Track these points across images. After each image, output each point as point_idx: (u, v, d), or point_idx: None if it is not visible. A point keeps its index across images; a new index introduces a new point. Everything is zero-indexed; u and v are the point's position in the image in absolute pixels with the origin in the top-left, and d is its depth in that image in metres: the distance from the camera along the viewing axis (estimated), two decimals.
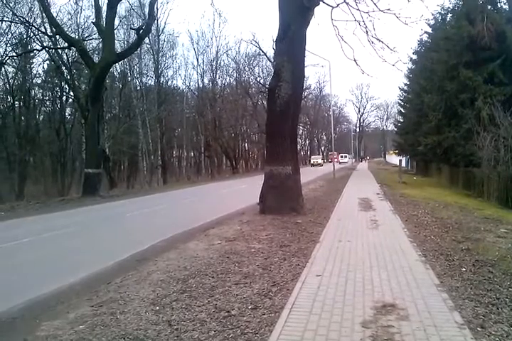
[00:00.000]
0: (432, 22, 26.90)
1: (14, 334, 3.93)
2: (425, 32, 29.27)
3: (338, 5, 12.04)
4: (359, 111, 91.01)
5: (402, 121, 43.22)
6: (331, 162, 54.84)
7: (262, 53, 43.38)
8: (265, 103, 47.72)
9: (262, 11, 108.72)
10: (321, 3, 11.62)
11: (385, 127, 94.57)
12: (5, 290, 5.44)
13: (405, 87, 40.45)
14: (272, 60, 42.13)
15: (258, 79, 46.15)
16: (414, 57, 33.48)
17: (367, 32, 12.27)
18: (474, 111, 19.84)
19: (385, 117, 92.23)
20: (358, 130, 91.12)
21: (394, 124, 56.77)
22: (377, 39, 12.31)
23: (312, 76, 58.71)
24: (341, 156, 73.47)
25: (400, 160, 31.70)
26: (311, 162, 62.47)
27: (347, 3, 11.97)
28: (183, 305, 4.29)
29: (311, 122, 72.55)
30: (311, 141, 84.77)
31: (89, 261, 6.84)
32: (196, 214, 12.14)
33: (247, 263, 5.86)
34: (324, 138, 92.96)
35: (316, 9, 11.36)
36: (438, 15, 26.27)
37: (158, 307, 4.27)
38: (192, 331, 3.68)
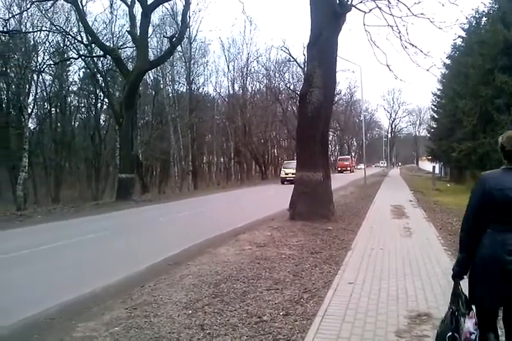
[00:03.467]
0: (466, 26, 26.27)
1: (51, 335, 4.02)
2: (459, 36, 28.65)
3: (370, 10, 11.99)
4: (391, 116, 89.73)
5: (435, 126, 42.27)
6: (341, 171, 53.65)
7: (292, 59, 43.43)
8: (295, 109, 47.72)
9: (292, 17, 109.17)
10: (353, 8, 11.59)
11: (417, 133, 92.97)
12: (43, 291, 5.61)
13: (438, 92, 39.66)
14: (303, 66, 42.28)
15: (288, 85, 46.18)
16: (448, 61, 32.82)
17: (400, 37, 12.17)
18: (511, 116, 19.22)
19: (418, 123, 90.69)
20: (389, 136, 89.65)
21: (427, 130, 55.54)
22: (411, 44, 12.19)
23: (342, 81, 58.37)
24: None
25: (434, 167, 30.96)
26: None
27: (380, 8, 11.90)
28: (215, 310, 4.32)
29: (341, 128, 71.93)
30: (341, 147, 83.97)
31: (123, 264, 6.99)
32: (226, 219, 12.20)
33: (278, 269, 5.85)
34: (355, 144, 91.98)
35: (348, 15, 11.34)
36: (472, 19, 25.65)
37: (190, 311, 4.31)
38: (224, 335, 3.69)
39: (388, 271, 5.71)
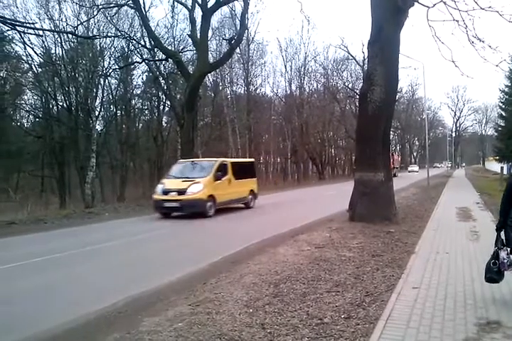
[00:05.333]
0: None
1: (119, 328, 4.19)
2: None
3: (434, 5, 11.50)
4: (455, 114, 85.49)
5: (503, 125, 39.91)
6: None
7: (350, 57, 42.72)
8: (354, 108, 46.95)
9: (351, 14, 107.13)
10: (416, 3, 11.19)
11: (483, 132, 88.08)
12: (112, 285, 5.90)
13: (506, 89, 37.33)
14: (362, 64, 41.45)
15: (346, 84, 45.47)
16: None
17: (467, 31, 11.57)
18: None
19: (484, 121, 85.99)
20: (453, 135, 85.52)
21: (494, 129, 52.55)
22: (478, 38, 11.56)
23: (404, 78, 56.34)
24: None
25: (502, 168, 29.21)
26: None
27: (444, 3, 11.38)
28: (276, 310, 4.33)
29: (402, 127, 69.69)
30: (403, 147, 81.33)
31: (185, 260, 7.21)
32: (284, 219, 12.21)
33: (338, 272, 5.77)
34: (417, 143, 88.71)
35: (410, 10, 10.95)
36: None
37: (251, 310, 4.35)
38: (285, 336, 3.69)
39: (455, 276, 5.48)
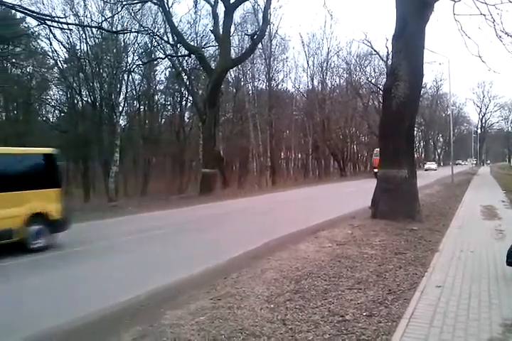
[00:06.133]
0: None
1: (141, 320, 4.24)
2: None
3: None
4: (480, 111, 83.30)
5: None
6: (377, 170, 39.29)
7: (374, 52, 42.11)
8: (377, 103, 46.29)
9: (375, 8, 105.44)
10: None
11: (510, 128, 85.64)
12: (135, 278, 6.00)
13: None
14: (385, 59, 40.82)
15: (369, 79, 44.85)
16: None
17: (494, 26, 11.30)
18: None
19: (511, 118, 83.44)
20: (479, 131, 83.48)
21: None
22: (506, 33, 11.29)
23: (428, 74, 55.12)
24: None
25: None
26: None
27: None
28: (297, 306, 4.33)
29: (426, 123, 68.41)
30: (427, 143, 79.90)
31: (207, 254, 7.28)
32: (305, 215, 12.17)
33: (360, 269, 5.72)
34: (441, 140, 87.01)
35: (436, 4, 10.72)
36: None
37: (272, 305, 4.35)
38: (306, 332, 3.68)
39: (479, 275, 5.39)
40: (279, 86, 42.38)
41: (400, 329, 3.71)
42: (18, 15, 27.55)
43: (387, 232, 8.46)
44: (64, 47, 29.03)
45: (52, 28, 18.72)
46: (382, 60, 42.27)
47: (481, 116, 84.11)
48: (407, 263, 6.07)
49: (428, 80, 60.74)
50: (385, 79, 35.28)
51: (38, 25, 18.56)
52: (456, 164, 78.44)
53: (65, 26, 19.38)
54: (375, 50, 41.98)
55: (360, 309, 4.22)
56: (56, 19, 14.79)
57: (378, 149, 35.94)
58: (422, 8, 10.18)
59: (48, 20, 13.85)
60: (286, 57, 40.74)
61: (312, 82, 44.04)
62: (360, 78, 45.84)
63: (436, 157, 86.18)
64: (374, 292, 4.75)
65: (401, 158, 10.04)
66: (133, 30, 26.48)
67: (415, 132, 60.76)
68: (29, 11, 13.58)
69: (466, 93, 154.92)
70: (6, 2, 13.73)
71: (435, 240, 7.76)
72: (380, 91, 40.53)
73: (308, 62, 43.15)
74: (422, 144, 76.87)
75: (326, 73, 44.28)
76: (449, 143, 47.87)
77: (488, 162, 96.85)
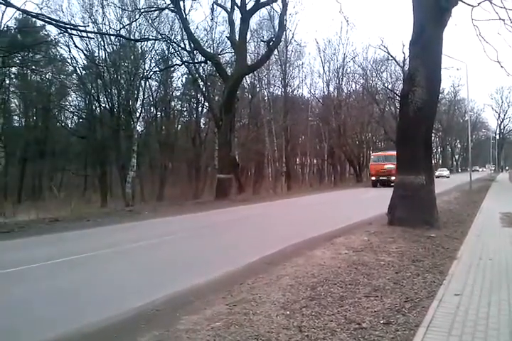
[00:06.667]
0: None
1: (157, 325, 4.25)
2: None
3: (479, 4, 11.15)
4: (499, 116, 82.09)
5: None
6: (377, 182, 31.11)
7: (390, 58, 41.90)
8: (393, 109, 45.96)
9: (391, 14, 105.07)
10: (459, 2, 10.85)
11: None
12: (150, 282, 6.03)
13: None
14: (402, 65, 40.55)
15: (386, 85, 44.57)
16: None
17: None
18: None
19: None
20: (497, 137, 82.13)
21: None
22: None
23: (446, 79, 54.64)
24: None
25: None
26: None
27: (490, 1, 11.00)
28: (313, 313, 4.30)
29: (443, 129, 67.67)
30: (444, 149, 78.96)
31: (222, 260, 7.28)
32: (320, 222, 12.12)
33: (377, 276, 5.66)
34: (458, 146, 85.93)
35: (454, 9, 10.63)
36: None
37: (288, 312, 4.33)
38: (323, 339, 3.66)
39: (499, 284, 5.28)
40: (295, 92, 42.50)
41: (418, 338, 3.66)
42: (38, 23, 28.37)
43: (404, 239, 8.37)
44: (84, 54, 29.59)
45: (73, 35, 19.17)
46: (399, 65, 42.03)
47: (499, 122, 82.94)
48: (425, 270, 5.98)
49: (445, 86, 60.44)
50: (401, 85, 34.94)
51: (61, 33, 19.12)
52: (473, 170, 77.22)
53: (85, 34, 19.77)
54: (391, 56, 41.80)
55: (377, 317, 4.17)
56: (78, 28, 15.12)
57: (376, 154, 31.31)
58: (439, 13, 10.11)
59: (70, 28, 14.18)
60: (302, 63, 40.74)
61: (328, 87, 44.05)
62: (376, 84, 45.62)
63: (454, 163, 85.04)
64: (391, 300, 4.69)
65: (418, 164, 9.94)
66: (151, 37, 26.97)
67: (432, 138, 60.47)
68: (52, 20, 13.92)
69: (485, 98, 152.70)
70: (31, 12, 14.10)
71: (453, 247, 7.64)
72: (397, 97, 40.23)
73: (324, 67, 43.21)
74: (439, 150, 75.96)
75: (342, 79, 44.24)
76: (466, 149, 47.21)
77: (507, 168, 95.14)
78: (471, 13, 11.57)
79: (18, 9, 13.60)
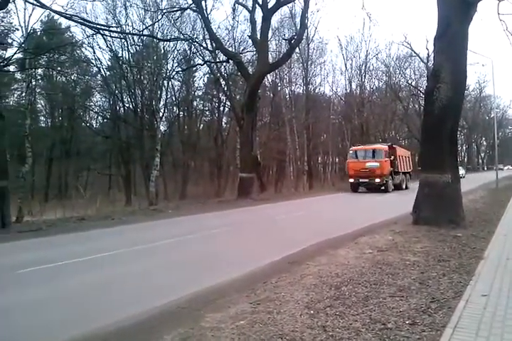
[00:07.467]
0: None
1: (182, 323, 4.30)
2: None
3: None
4: None
5: None
6: (358, 184, 24.61)
7: (414, 54, 41.26)
8: (417, 106, 45.26)
9: (415, 9, 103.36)
10: None
11: None
12: (175, 281, 6.11)
13: None
14: (426, 61, 39.90)
15: (409, 82, 43.94)
16: None
17: None
18: None
19: None
20: None
21: None
22: None
23: (471, 76, 53.33)
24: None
25: None
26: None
27: None
28: (337, 312, 4.28)
29: (469, 126, 66.21)
30: (469, 147, 77.29)
31: (246, 259, 7.32)
32: (344, 221, 12.05)
33: (402, 276, 5.59)
34: (484, 143, 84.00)
35: (479, 4, 10.39)
36: None
37: (312, 312, 4.32)
38: (348, 339, 3.64)
39: None
40: (317, 90, 42.22)
41: (445, 338, 3.60)
42: (63, 25, 29.01)
43: (429, 239, 8.24)
44: (106, 56, 30.13)
45: (105, 35, 19.63)
46: (423, 61, 41.39)
47: None
48: (451, 270, 5.88)
49: (471, 82, 58.99)
50: (425, 82, 34.31)
51: (94, 34, 19.62)
52: (499, 169, 75.23)
53: (116, 35, 20.16)
54: (415, 52, 41.20)
55: (403, 317, 4.12)
56: (111, 28, 15.54)
57: (355, 148, 24.85)
58: (465, 8, 9.90)
59: (102, 29, 14.54)
60: (324, 61, 40.36)
61: (350, 85, 43.60)
62: (399, 81, 45.04)
63: (480, 161, 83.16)
64: (417, 300, 4.63)
65: (444, 163, 9.76)
66: (176, 37, 27.17)
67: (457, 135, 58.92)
68: (85, 20, 14.28)
69: (511, 95, 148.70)
70: (64, 13, 14.45)
71: (480, 247, 7.48)
72: (421, 94, 39.62)
73: (346, 65, 42.77)
74: (464, 148, 74.43)
75: (365, 76, 43.70)
76: (492, 146, 46.09)
77: None
78: (497, 7, 11.31)
79: (53, 11, 13.96)
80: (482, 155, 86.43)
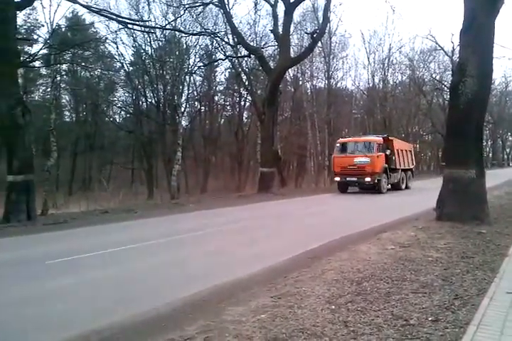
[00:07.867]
0: None
1: (204, 315, 4.36)
2: None
3: None
4: None
5: None
6: (346, 184, 20.78)
7: (438, 48, 40.42)
8: (441, 101, 44.41)
9: (439, 3, 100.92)
10: None
11: None
12: (198, 273, 6.20)
13: None
14: (451, 55, 39.05)
15: (434, 76, 43.08)
16: None
17: None
18: None
19: None
20: None
21: None
22: None
23: (497, 69, 51.86)
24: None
25: None
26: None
27: None
28: (359, 308, 4.28)
29: (494, 121, 64.59)
30: (494, 142, 75.44)
31: (266, 253, 7.35)
32: (365, 216, 11.97)
33: (424, 272, 5.55)
34: (510, 138, 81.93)
35: None
36: None
37: (333, 307, 4.33)
38: (369, 335, 3.64)
39: None
40: (339, 84, 41.75)
41: (468, 336, 3.57)
42: (87, 21, 29.44)
43: (453, 235, 8.13)
44: (132, 50, 30.41)
45: (131, 30, 19.95)
46: (448, 55, 40.52)
47: None
48: (475, 267, 5.81)
49: (497, 76, 57.54)
50: (450, 76, 33.59)
51: (121, 29, 19.96)
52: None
53: (142, 28, 20.36)
54: (439, 46, 40.38)
55: (425, 313, 4.10)
56: (139, 22, 15.76)
57: (342, 140, 20.23)
58: (491, 0, 9.67)
59: (130, 23, 14.72)
60: (346, 55, 39.83)
61: (373, 79, 43.00)
62: (423, 75, 44.24)
63: (505, 157, 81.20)
64: (440, 296, 4.59)
65: (469, 158, 9.59)
66: (199, 32, 27.29)
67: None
68: (114, 14, 14.51)
69: None
70: (94, 7, 14.66)
71: (505, 244, 7.35)
72: (445, 88, 38.85)
73: (369, 59, 42.19)
74: (489, 143, 72.70)
75: (388, 70, 43.04)
76: None
77: None
78: None
79: (83, 5, 14.15)
80: (508, 150, 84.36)
